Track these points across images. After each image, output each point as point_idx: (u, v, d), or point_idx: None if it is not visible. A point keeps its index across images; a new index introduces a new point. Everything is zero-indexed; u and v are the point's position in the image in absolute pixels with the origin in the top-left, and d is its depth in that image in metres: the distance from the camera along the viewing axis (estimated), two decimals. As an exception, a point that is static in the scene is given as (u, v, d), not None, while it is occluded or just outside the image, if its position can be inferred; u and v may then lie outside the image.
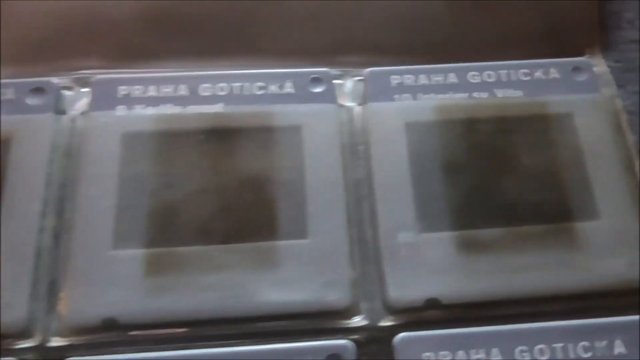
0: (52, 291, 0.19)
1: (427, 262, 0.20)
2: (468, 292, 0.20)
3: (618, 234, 0.21)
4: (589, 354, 0.19)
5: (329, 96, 0.23)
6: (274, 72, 0.23)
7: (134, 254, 0.20)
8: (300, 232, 0.20)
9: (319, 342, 0.19)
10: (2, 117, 0.21)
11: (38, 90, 0.22)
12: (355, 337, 0.20)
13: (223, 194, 0.21)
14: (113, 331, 0.19)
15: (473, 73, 0.24)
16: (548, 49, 0.25)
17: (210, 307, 0.19)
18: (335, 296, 0.20)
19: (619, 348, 0.19)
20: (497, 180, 0.22)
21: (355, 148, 0.22)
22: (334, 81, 0.23)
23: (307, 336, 0.19)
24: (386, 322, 0.20)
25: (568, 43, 0.25)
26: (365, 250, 0.21)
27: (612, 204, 0.21)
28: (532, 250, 0.21)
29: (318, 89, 0.23)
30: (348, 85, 0.24)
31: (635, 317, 0.20)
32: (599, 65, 0.25)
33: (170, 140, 0.22)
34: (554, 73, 0.24)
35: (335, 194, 0.21)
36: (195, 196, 0.21)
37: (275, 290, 0.20)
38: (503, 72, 0.24)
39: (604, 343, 0.20)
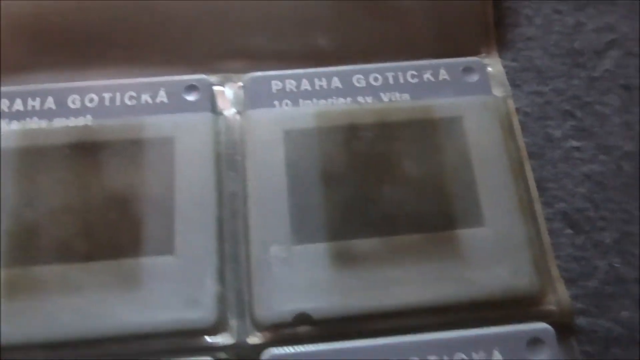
0: None
1: (299, 276, 0.19)
2: (341, 306, 0.19)
3: (503, 241, 0.20)
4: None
5: (205, 104, 0.22)
6: (146, 81, 0.22)
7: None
8: (166, 248, 0.19)
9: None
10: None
11: None
12: (222, 355, 0.19)
13: (87, 211, 0.20)
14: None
15: (358, 76, 0.23)
16: (442, 50, 0.24)
17: (68, 329, 0.18)
18: (199, 314, 0.19)
19: (497, 358, 0.19)
20: (378, 189, 0.21)
21: (232, 158, 0.21)
22: (214, 88, 0.22)
23: (173, 356, 0.18)
24: (254, 340, 0.19)
25: (463, 43, 0.24)
26: (238, 266, 0.20)
27: (497, 210, 0.20)
28: (411, 260, 0.20)
29: (193, 97, 0.22)
30: (228, 92, 0.23)
31: (514, 327, 0.19)
32: (494, 65, 0.24)
33: (33, 156, 0.21)
34: (443, 74, 0.23)
35: (205, 208, 0.20)
36: (57, 214, 0.20)
37: (137, 309, 0.19)
38: (389, 74, 0.23)
39: (481, 354, 0.19)
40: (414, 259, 0.20)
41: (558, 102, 0.24)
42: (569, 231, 0.22)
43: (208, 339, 0.19)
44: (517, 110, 0.23)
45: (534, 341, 0.19)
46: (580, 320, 0.20)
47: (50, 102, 0.22)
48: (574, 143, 0.23)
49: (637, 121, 0.23)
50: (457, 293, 0.19)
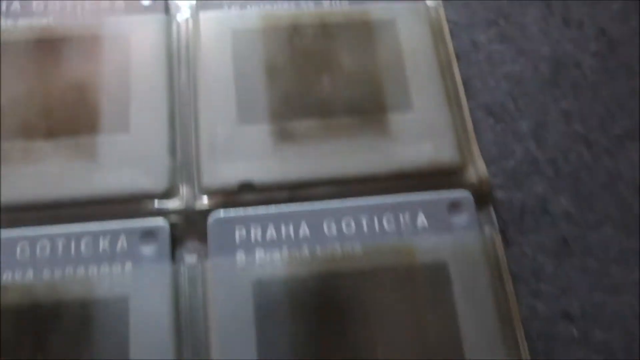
0: None
1: (244, 151, 0.21)
2: (280, 175, 0.21)
3: (429, 123, 0.22)
4: (392, 226, 0.20)
5: (159, 7, 0.24)
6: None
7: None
8: (122, 126, 0.21)
9: (133, 221, 0.20)
10: None
11: None
12: (173, 218, 0.21)
13: (51, 96, 0.22)
14: None
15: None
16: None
17: (30, 194, 0.20)
18: (152, 181, 0.21)
19: (421, 219, 0.21)
20: (317, 79, 0.23)
21: (184, 55, 0.23)
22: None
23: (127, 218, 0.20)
24: (202, 205, 0.21)
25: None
26: (188, 142, 0.22)
27: (425, 98, 0.23)
28: (345, 138, 0.22)
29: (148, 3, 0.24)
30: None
31: (436, 193, 0.21)
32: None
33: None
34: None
35: (158, 93, 0.22)
36: (22, 99, 0.22)
37: (95, 177, 0.21)
38: None
39: (407, 216, 0.21)
40: (348, 137, 0.22)
41: (484, 12, 0.26)
42: (490, 120, 0.24)
43: (160, 203, 0.21)
44: (447, 20, 0.26)
45: (454, 205, 0.21)
46: (498, 193, 0.23)
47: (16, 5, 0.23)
48: (497, 47, 0.25)
49: (554, 30, 0.26)
50: (387, 164, 0.22)
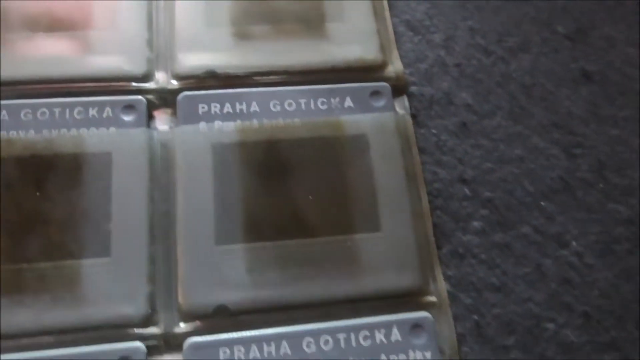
0: None
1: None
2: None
3: (358, 30, 0.28)
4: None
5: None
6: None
7: None
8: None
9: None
10: None
11: None
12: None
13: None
14: None
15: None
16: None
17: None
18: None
19: (348, 102, 0.26)
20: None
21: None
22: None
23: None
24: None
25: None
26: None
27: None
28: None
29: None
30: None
31: (361, 84, 0.26)
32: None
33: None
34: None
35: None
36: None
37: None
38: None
39: (337, 100, 0.26)
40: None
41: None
42: (409, 33, 0.29)
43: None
44: None
45: (375, 92, 0.27)
46: (413, 89, 0.28)
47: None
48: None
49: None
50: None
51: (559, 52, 0.29)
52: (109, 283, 0.22)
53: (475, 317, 0.24)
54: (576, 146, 0.27)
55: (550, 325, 0.24)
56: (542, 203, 0.26)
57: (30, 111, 0.24)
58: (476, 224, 0.26)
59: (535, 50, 0.29)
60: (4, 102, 0.24)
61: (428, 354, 0.23)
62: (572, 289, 0.25)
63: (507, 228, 0.26)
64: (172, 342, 0.22)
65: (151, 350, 0.22)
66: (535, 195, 0.26)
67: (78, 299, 0.22)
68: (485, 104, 0.28)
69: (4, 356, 0.21)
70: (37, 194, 0.23)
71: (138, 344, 0.22)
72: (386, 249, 0.24)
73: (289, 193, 0.24)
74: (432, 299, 0.24)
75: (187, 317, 0.22)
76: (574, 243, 0.25)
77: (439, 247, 0.25)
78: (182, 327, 0.22)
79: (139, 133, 0.25)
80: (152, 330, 0.22)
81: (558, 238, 0.26)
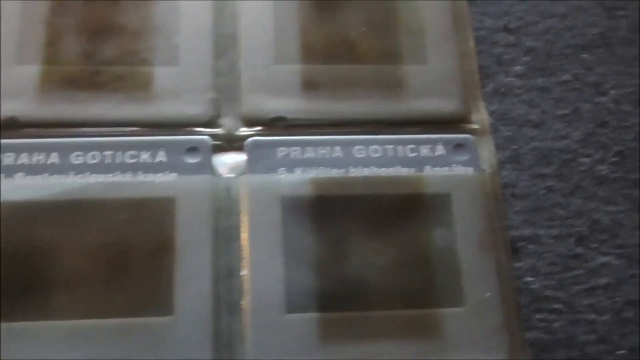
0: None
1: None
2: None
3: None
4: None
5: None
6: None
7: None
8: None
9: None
10: None
11: None
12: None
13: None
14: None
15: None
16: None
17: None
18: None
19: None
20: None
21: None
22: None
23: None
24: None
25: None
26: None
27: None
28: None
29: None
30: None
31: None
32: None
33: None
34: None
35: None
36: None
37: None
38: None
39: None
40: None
41: None
42: None
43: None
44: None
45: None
46: None
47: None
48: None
49: None
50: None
51: None
52: (178, 88, 0.24)
53: (515, 147, 0.25)
54: (619, 8, 0.28)
55: (586, 160, 0.25)
56: (583, 55, 0.27)
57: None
58: (518, 68, 0.27)
59: None
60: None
61: (470, 170, 0.24)
62: (608, 131, 0.26)
63: (548, 74, 0.27)
64: (234, 142, 0.24)
65: (215, 149, 0.24)
66: (576, 48, 0.27)
67: (150, 98, 0.24)
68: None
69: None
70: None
71: (206, 137, 0.24)
72: (433, 78, 0.25)
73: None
74: (475, 126, 0.25)
75: (248, 122, 0.24)
76: (612, 91, 0.27)
77: (482, 87, 0.26)
78: (243, 130, 0.24)
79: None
80: (217, 130, 0.24)
81: (596, 86, 0.27)
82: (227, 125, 0.25)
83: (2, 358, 0.20)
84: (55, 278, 0.21)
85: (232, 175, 0.24)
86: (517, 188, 0.25)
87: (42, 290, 0.21)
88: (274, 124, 0.25)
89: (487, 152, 0.25)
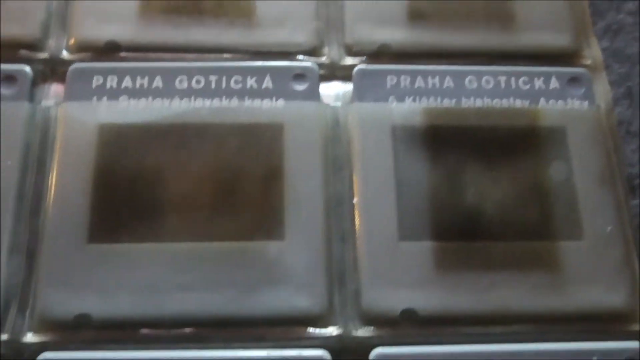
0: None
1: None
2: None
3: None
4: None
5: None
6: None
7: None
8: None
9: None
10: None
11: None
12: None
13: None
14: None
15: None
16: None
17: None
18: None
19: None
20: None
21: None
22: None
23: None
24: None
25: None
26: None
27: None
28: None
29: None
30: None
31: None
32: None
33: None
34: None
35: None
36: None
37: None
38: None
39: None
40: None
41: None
42: None
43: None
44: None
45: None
46: None
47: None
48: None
49: None
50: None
51: None
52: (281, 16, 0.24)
53: (629, 84, 0.24)
54: None
55: None
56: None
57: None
58: (630, 5, 0.26)
59: None
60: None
61: (585, 104, 0.23)
62: None
63: (661, 12, 0.26)
64: (338, 72, 0.24)
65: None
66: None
67: (253, 25, 0.24)
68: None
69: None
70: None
71: (313, 64, 0.23)
72: (544, 12, 0.25)
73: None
74: (587, 61, 0.24)
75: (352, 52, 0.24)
76: None
77: (594, 23, 0.25)
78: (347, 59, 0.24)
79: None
80: (320, 59, 0.24)
81: None
82: (330, 54, 0.24)
83: (112, 278, 0.20)
84: (164, 202, 0.21)
85: (338, 103, 0.23)
86: (632, 125, 0.24)
87: (154, 213, 0.21)
88: (379, 53, 0.24)
89: (600, 89, 0.24)
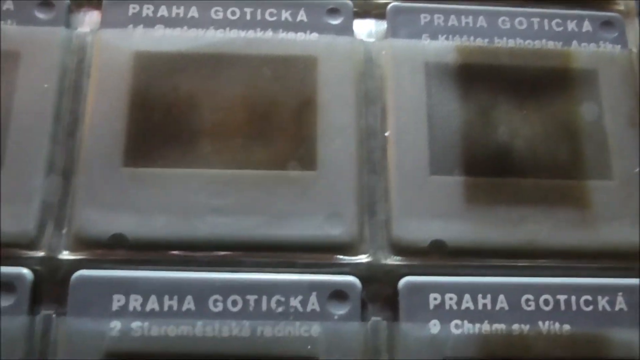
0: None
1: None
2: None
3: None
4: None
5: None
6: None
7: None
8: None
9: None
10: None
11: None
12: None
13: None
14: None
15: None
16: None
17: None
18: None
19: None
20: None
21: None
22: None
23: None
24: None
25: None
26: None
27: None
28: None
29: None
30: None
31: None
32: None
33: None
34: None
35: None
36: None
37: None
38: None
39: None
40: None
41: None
42: None
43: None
44: None
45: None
46: None
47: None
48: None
49: None
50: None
51: None
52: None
53: (660, 31, 0.24)
54: None
55: None
56: None
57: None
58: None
59: None
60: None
61: (617, 48, 0.23)
62: None
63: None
64: (371, 9, 0.24)
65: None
66: None
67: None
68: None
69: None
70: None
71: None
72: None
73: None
74: (620, 7, 0.24)
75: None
76: None
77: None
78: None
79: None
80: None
81: None
82: (364, -8, 0.24)
83: (146, 200, 0.20)
84: (198, 129, 0.21)
85: (372, 39, 0.23)
86: (662, 73, 0.24)
87: (187, 140, 0.21)
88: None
89: (632, 35, 0.24)
